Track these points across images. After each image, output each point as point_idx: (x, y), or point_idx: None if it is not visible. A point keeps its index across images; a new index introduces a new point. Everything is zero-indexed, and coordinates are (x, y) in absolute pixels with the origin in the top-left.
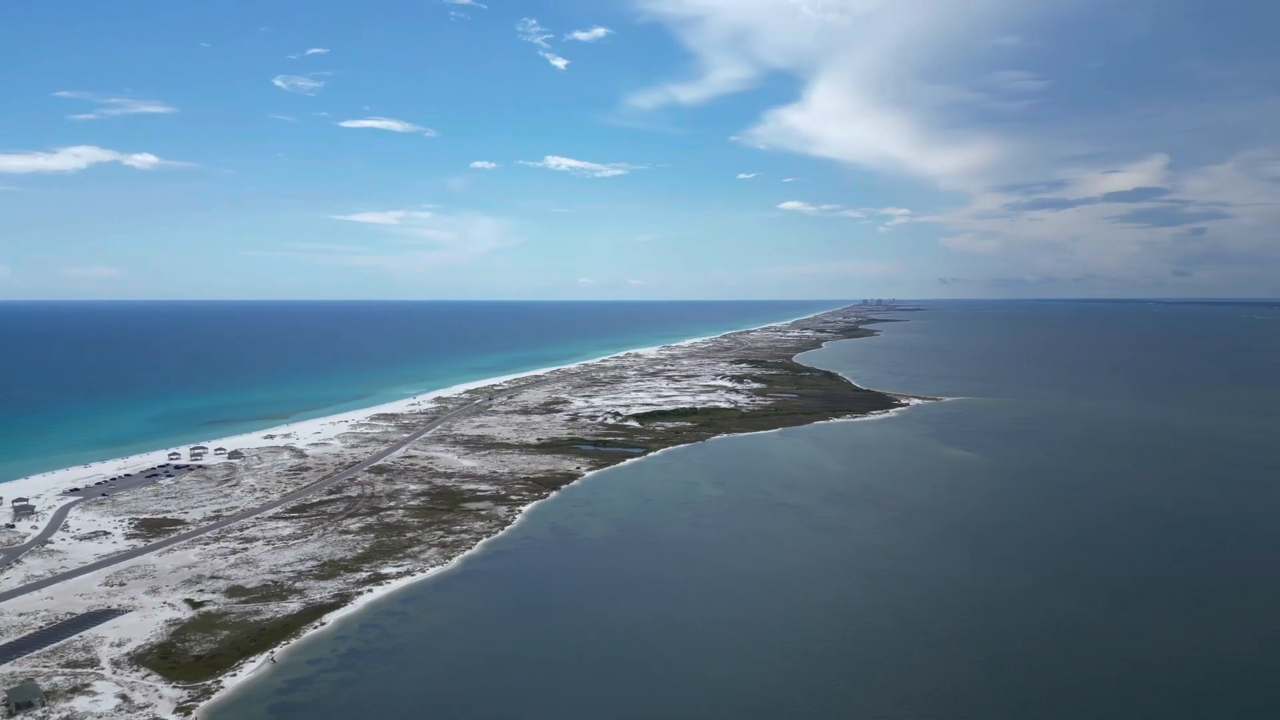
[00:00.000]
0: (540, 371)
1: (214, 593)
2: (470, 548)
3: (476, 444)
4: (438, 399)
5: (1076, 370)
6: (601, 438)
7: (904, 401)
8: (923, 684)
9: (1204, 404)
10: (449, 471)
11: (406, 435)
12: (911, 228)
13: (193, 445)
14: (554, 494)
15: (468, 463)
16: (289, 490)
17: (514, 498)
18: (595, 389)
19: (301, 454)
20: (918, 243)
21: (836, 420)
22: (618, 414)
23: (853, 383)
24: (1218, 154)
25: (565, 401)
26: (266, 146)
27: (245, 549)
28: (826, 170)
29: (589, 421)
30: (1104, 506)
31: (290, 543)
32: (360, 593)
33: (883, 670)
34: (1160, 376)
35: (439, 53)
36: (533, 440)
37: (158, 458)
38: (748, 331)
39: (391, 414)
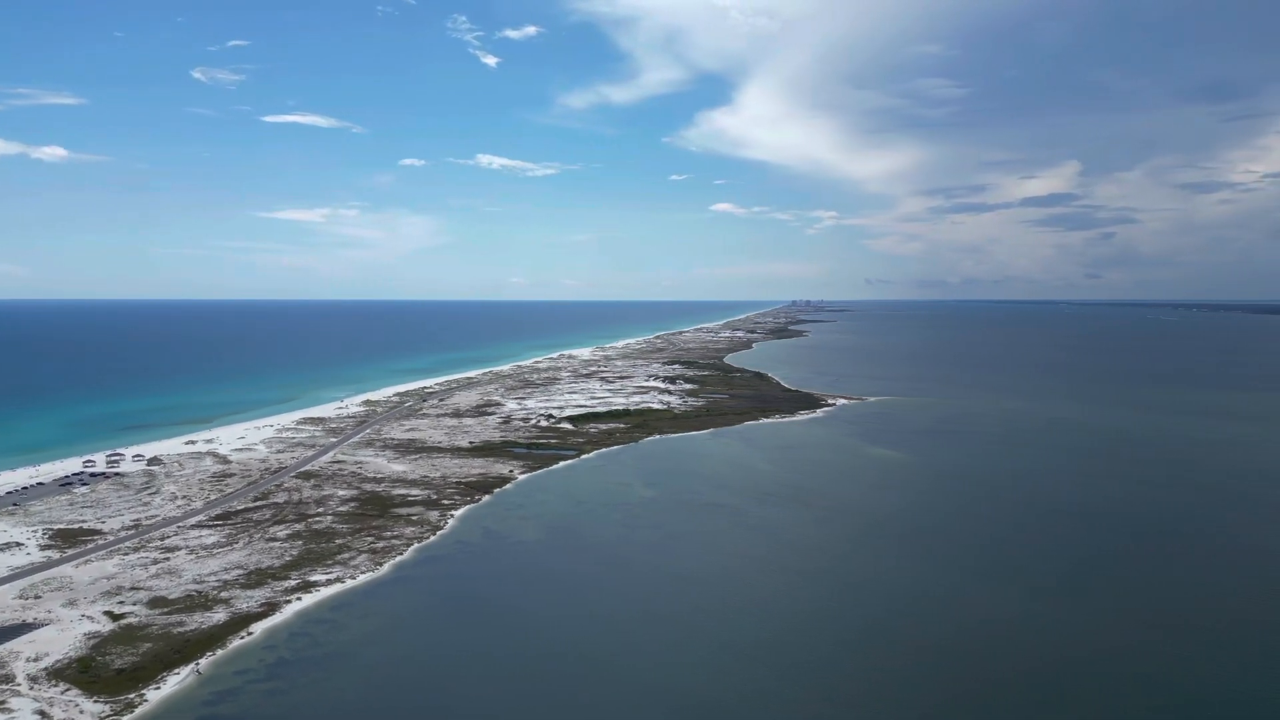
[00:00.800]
0: (472, 373)
1: (135, 604)
2: (402, 553)
3: (407, 448)
4: (366, 402)
5: (995, 370)
6: (535, 440)
7: (831, 401)
8: (851, 679)
9: (1115, 403)
10: (379, 476)
11: (335, 440)
12: (839, 230)
13: (109, 452)
14: (487, 498)
15: (398, 467)
16: (212, 497)
17: (446, 502)
18: (529, 391)
19: (225, 460)
20: (845, 245)
21: (766, 420)
22: (551, 416)
23: (782, 383)
24: (1127, 161)
25: (498, 404)
26: (184, 140)
27: (167, 559)
28: (757, 173)
29: (522, 424)
30: (1022, 503)
31: (214, 551)
32: (289, 601)
33: (811, 667)
34: (1074, 376)
35: (366, 48)
36: (465, 443)
37: (72, 465)
38: (681, 332)
39: (319, 418)
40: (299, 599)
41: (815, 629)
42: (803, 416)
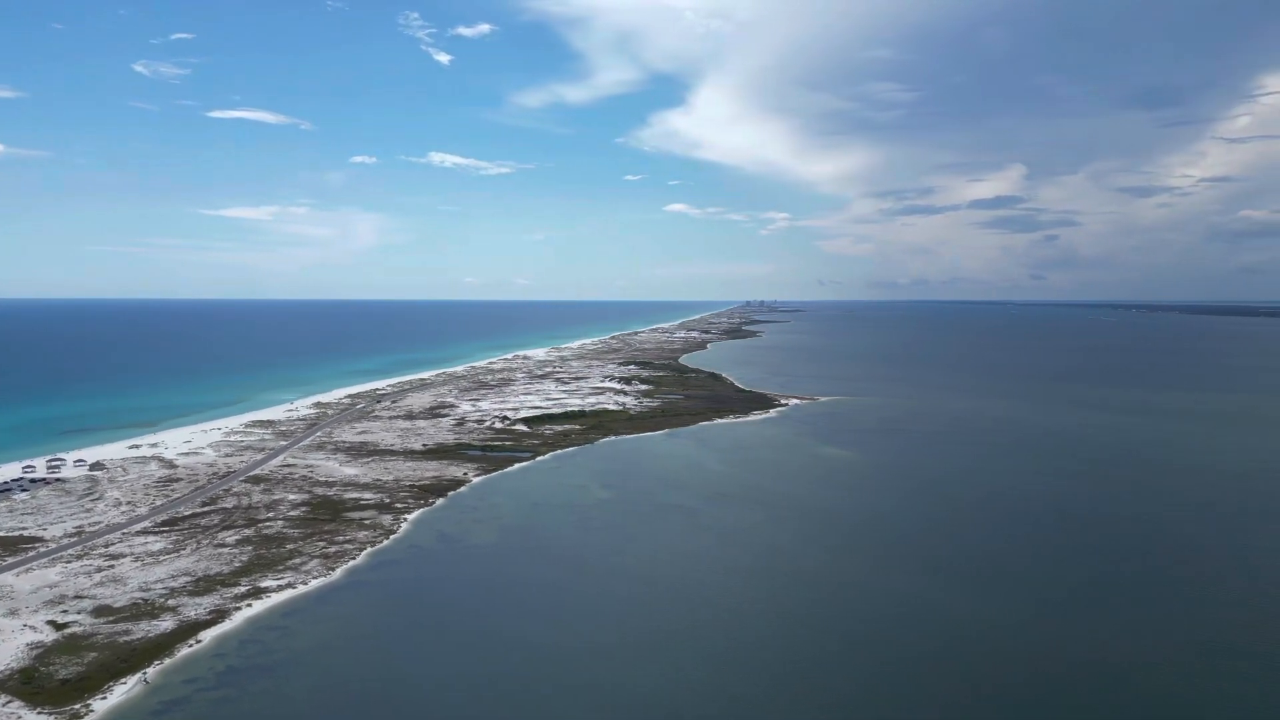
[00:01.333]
0: (425, 374)
1: (79, 613)
2: (354, 558)
3: (359, 451)
4: (317, 404)
5: (942, 370)
6: (489, 442)
7: (784, 401)
8: (805, 672)
9: (1057, 402)
10: (330, 480)
11: (284, 443)
12: (792, 231)
13: (49, 457)
14: (440, 501)
15: (350, 470)
16: (158, 503)
17: (399, 506)
18: (483, 392)
19: (171, 464)
20: (798, 245)
21: (720, 420)
22: (506, 418)
23: (736, 383)
24: (1069, 165)
25: (452, 405)
26: (126, 136)
27: (112, 566)
28: (711, 174)
29: (476, 426)
30: (969, 500)
31: (161, 558)
32: (238, 608)
33: (764, 661)
34: (1018, 376)
35: (315, 43)
36: (418, 446)
37: (10, 470)
38: (636, 333)
39: (268, 420)
40: (249, 605)
41: (767, 625)
42: (756, 417)
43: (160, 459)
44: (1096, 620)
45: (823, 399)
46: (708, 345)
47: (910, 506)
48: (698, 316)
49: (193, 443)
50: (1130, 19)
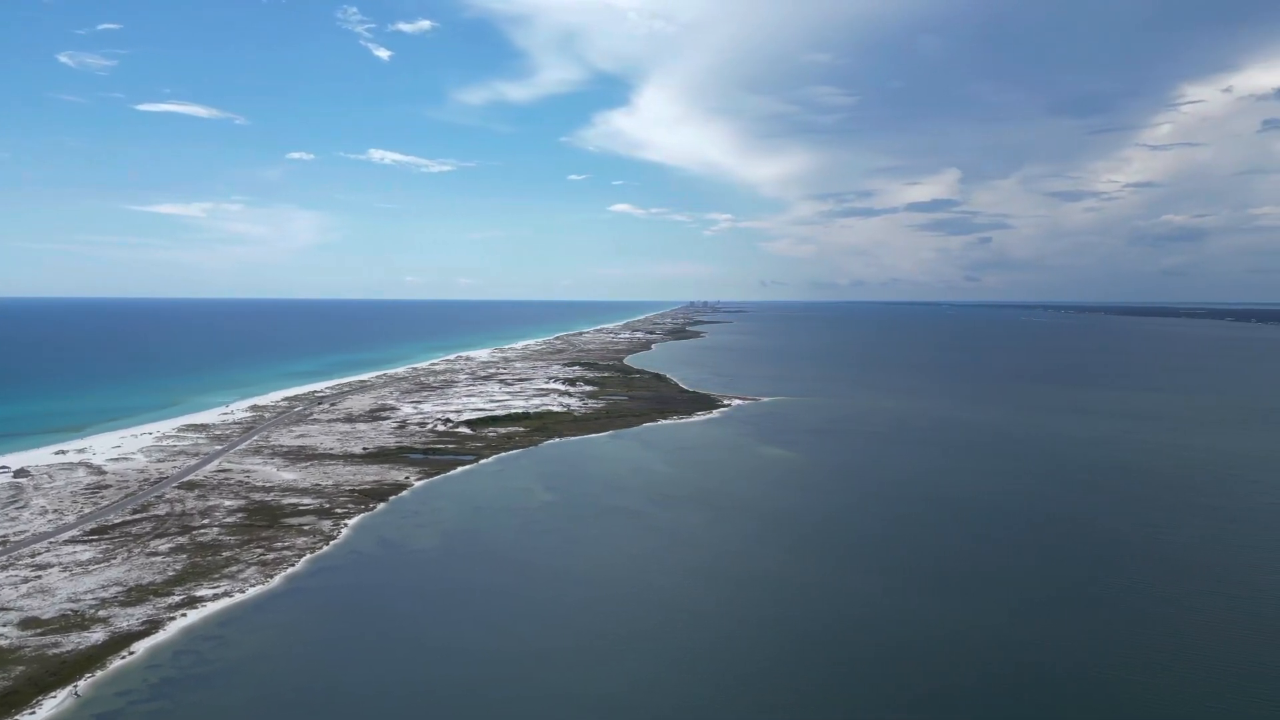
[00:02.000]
0: (365, 376)
1: (5, 626)
2: (293, 565)
3: (297, 455)
4: (253, 407)
5: (881, 370)
6: (431, 445)
7: (727, 402)
8: (789, 685)
9: (993, 401)
10: (268, 485)
11: (220, 447)
12: (735, 232)
13: None
14: (382, 505)
15: (288, 475)
16: (87, 511)
17: (339, 511)
18: (425, 394)
19: (100, 470)
20: (741, 246)
21: (665, 421)
22: (448, 420)
23: (680, 384)
24: (1002, 170)
25: (393, 408)
26: (51, 129)
27: (39, 576)
28: (655, 174)
29: (418, 429)
30: (909, 498)
31: (90, 568)
32: (173, 618)
33: (709, 658)
34: (954, 375)
35: (249, 36)
36: (358, 450)
37: None
38: (580, 333)
39: (202, 424)
40: (184, 615)
41: (721, 628)
42: (700, 417)
43: (88, 465)
44: (1052, 620)
45: (765, 399)
46: (652, 346)
47: (857, 506)
48: (642, 317)
49: (123, 448)
50: (1058, 29)
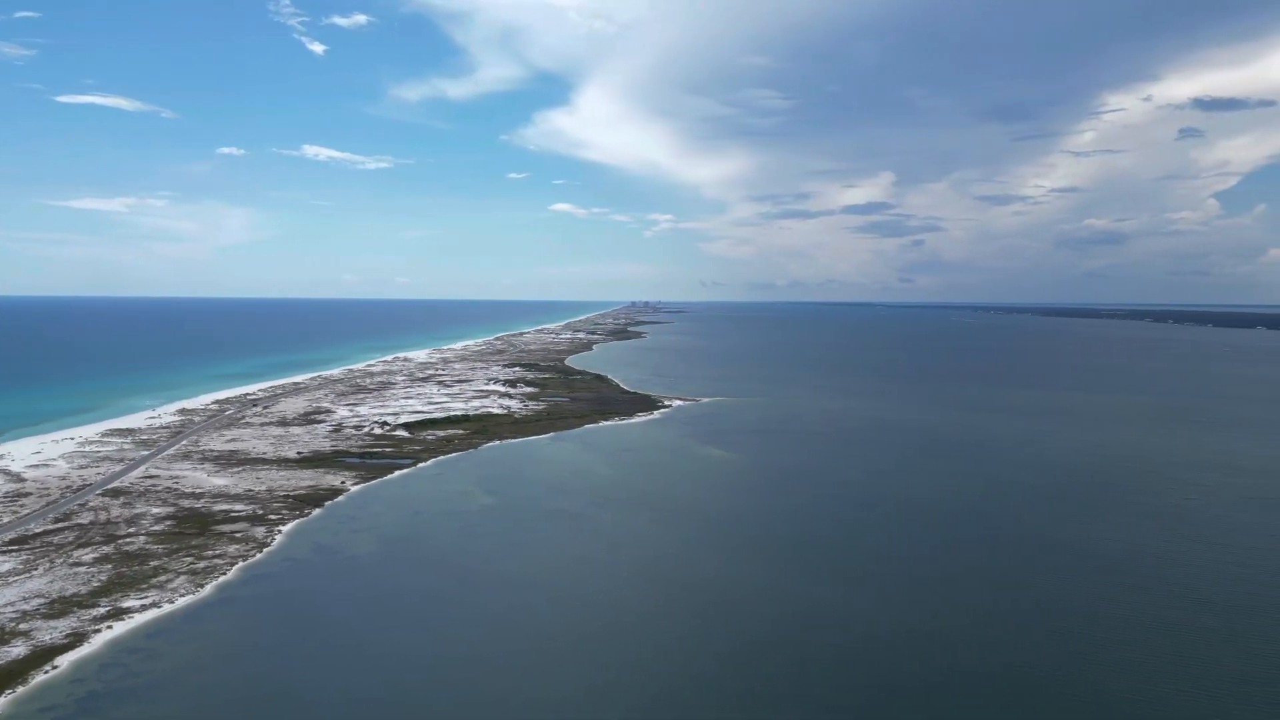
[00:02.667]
0: (300, 378)
1: None
2: (225, 573)
3: (229, 460)
4: (182, 411)
5: (818, 370)
6: (368, 449)
7: (668, 403)
8: (735, 688)
9: (926, 401)
10: (198, 492)
11: (146, 453)
12: (675, 233)
13: None
14: (317, 511)
15: (219, 481)
16: (5, 520)
17: (273, 517)
18: (361, 396)
19: (18, 478)
20: (682, 247)
21: (605, 423)
22: (386, 423)
23: (621, 385)
24: (934, 174)
25: (328, 410)
26: None
27: None
28: (595, 174)
29: (354, 432)
30: (845, 498)
31: (10, 579)
32: (98, 630)
33: (649, 662)
34: (888, 375)
35: (177, 27)
36: (292, 454)
37: None
38: (521, 333)
39: (127, 429)
40: (110, 627)
41: (667, 631)
42: (641, 418)
43: (6, 472)
44: (989, 618)
45: (705, 400)
46: (593, 346)
47: (798, 507)
48: (584, 317)
49: (43, 454)
50: (987, 37)
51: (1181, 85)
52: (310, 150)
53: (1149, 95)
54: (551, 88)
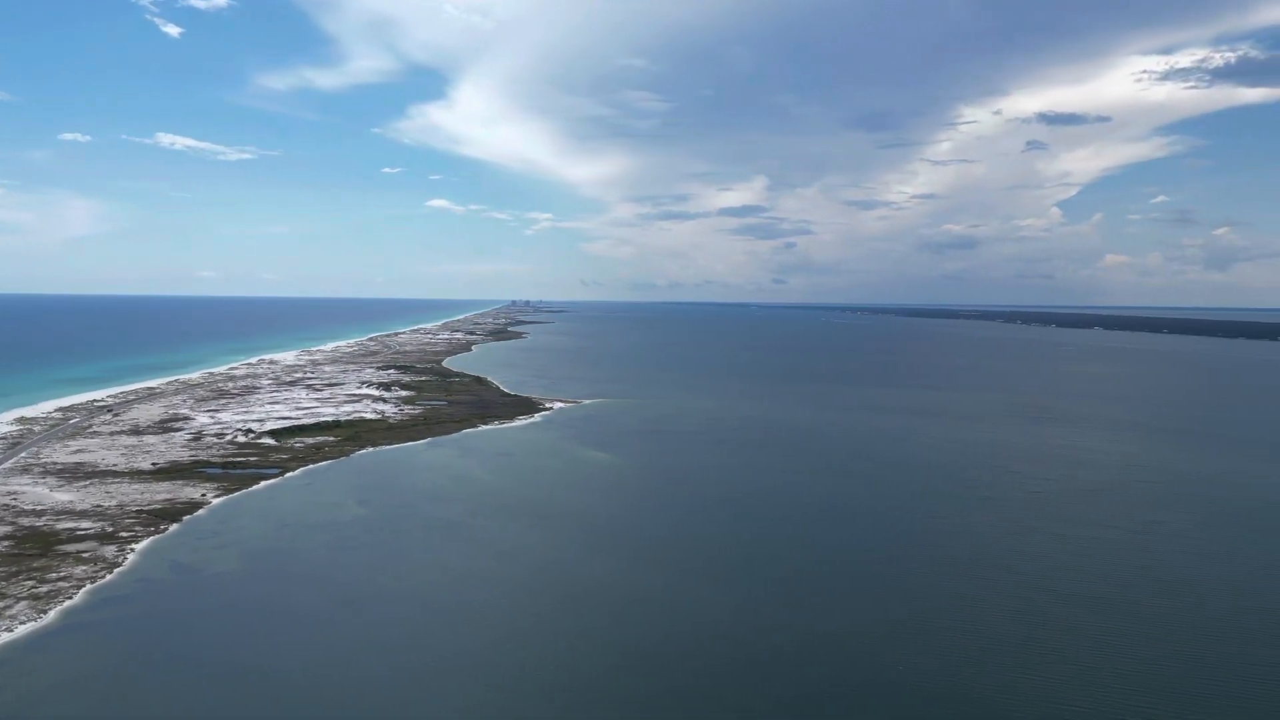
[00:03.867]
0: (154, 382)
1: None
2: (70, 597)
3: (74, 473)
4: (20, 419)
5: (694, 370)
6: (231, 459)
7: (548, 405)
8: (632, 698)
9: (798, 400)
10: (39, 508)
11: None
12: (555, 232)
13: None
14: (175, 526)
15: (63, 496)
16: None
17: (124, 535)
18: (223, 402)
19: None
20: (561, 246)
21: (485, 427)
22: (250, 431)
23: (501, 387)
24: (805, 178)
25: (186, 418)
26: None
27: None
28: (474, 171)
29: (216, 440)
30: (724, 498)
31: None
32: None
33: (533, 676)
34: (762, 375)
35: (16, 6)
36: (146, 466)
37: None
38: (397, 333)
39: None
40: None
41: (557, 646)
42: (521, 422)
43: None
44: (873, 614)
45: (586, 401)
46: (473, 347)
47: (680, 511)
48: (462, 316)
49: None
50: (853, 48)
51: (1028, 100)
52: (165, 139)
53: (999, 109)
54: (427, 81)
